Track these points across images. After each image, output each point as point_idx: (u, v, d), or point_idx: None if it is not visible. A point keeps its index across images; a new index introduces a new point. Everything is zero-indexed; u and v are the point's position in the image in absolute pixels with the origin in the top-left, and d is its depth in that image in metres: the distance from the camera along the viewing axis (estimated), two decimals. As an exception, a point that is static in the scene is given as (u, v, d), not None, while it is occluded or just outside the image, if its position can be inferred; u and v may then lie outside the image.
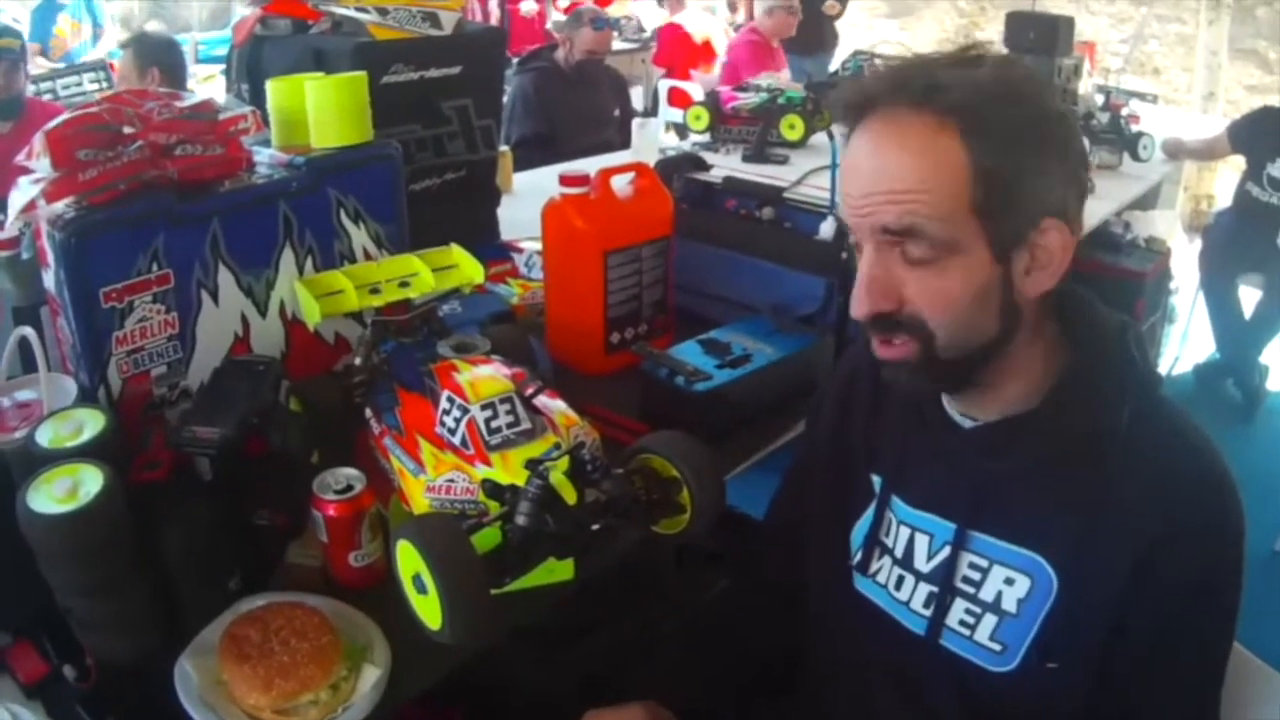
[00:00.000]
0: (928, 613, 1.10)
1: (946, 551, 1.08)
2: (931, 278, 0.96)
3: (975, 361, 1.01)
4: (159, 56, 3.87)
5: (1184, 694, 1.03)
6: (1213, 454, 1.02)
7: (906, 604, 1.12)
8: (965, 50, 0.99)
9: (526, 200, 2.19)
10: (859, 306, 0.99)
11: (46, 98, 4.48)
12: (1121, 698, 1.02)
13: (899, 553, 1.13)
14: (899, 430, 1.16)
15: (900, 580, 1.13)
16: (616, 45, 5.75)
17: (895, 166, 0.95)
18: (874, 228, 0.97)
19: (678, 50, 6.39)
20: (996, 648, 1.05)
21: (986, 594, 1.05)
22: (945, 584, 1.08)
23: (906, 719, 1.14)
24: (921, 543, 1.11)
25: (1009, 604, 1.04)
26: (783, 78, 4.40)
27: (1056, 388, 1.03)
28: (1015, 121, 0.94)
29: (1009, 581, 1.04)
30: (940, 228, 0.94)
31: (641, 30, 7.75)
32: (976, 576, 1.06)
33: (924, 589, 1.11)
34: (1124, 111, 3.61)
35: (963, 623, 1.07)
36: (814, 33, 5.70)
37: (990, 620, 1.05)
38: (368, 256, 1.55)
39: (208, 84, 6.34)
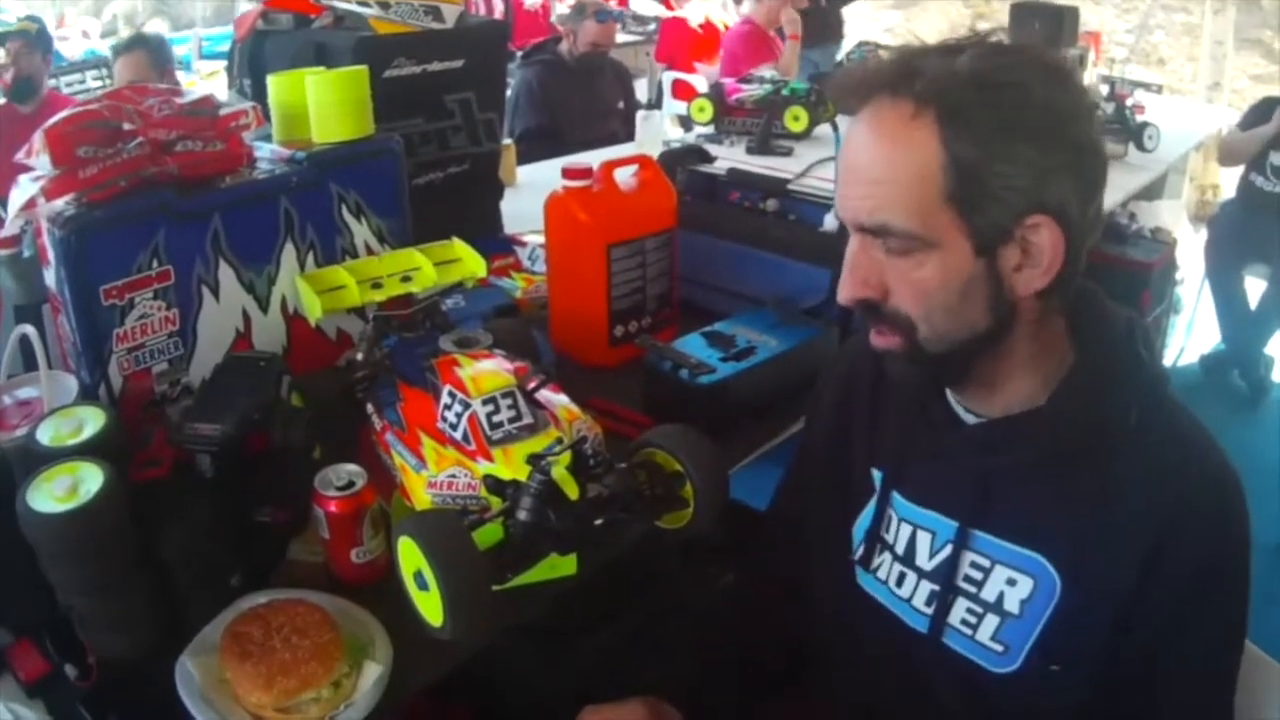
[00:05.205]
0: (930, 611, 1.09)
1: (948, 550, 1.07)
2: (910, 269, 0.95)
3: (968, 355, 1.00)
4: (168, 55, 3.91)
5: (1195, 693, 1.02)
6: (1218, 452, 1.01)
7: (908, 601, 1.12)
8: (973, 37, 0.96)
9: (530, 193, 2.19)
10: (842, 291, 1.00)
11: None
12: (1131, 698, 1.01)
13: (900, 549, 1.13)
14: (901, 425, 1.15)
15: (901, 577, 1.13)
16: (620, 38, 5.73)
17: (869, 159, 0.95)
18: (851, 222, 0.98)
19: (680, 44, 6.37)
20: (998, 648, 1.04)
21: (988, 594, 1.05)
22: (947, 583, 1.07)
23: (910, 715, 1.14)
24: (924, 540, 1.10)
25: (1011, 605, 1.03)
26: (782, 65, 4.38)
27: (1062, 386, 1.01)
28: (993, 110, 0.90)
29: (1011, 582, 1.03)
30: (911, 222, 0.92)
31: (645, 24, 7.71)
32: (978, 576, 1.06)
33: (926, 587, 1.10)
34: (1129, 101, 3.59)
35: (964, 622, 1.07)
36: (819, 24, 5.67)
37: (992, 620, 1.04)
38: (370, 251, 1.54)
39: (211, 80, 6.33)
